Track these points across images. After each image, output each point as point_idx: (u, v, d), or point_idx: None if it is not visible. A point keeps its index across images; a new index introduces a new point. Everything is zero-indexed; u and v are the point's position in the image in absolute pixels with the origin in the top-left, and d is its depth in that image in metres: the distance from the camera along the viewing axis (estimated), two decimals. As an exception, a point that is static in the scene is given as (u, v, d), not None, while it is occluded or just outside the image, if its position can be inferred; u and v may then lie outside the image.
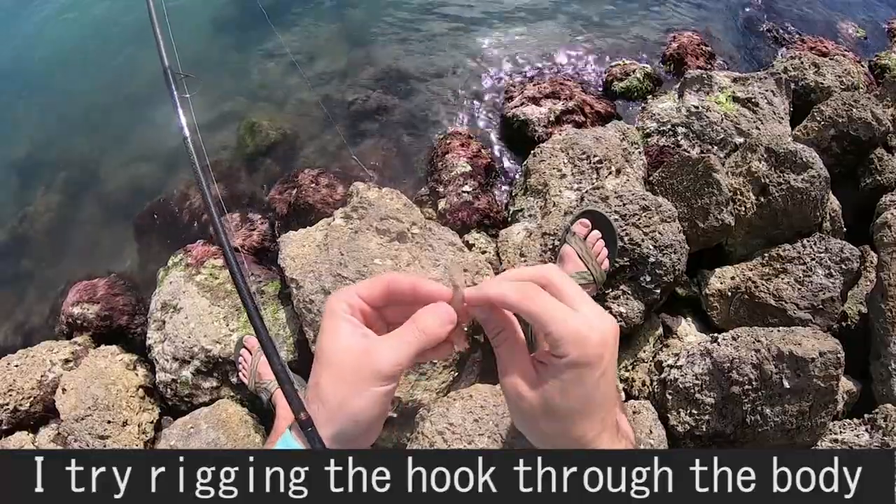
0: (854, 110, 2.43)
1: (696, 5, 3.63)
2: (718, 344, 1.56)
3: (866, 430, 1.55)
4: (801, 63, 2.97)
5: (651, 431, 1.54)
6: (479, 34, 3.33)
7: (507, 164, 2.64)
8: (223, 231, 0.71)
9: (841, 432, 1.57)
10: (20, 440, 2.26)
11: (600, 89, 2.92)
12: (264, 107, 3.13)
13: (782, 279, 1.84)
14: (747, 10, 3.70)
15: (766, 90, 2.57)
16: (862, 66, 3.30)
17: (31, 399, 2.34)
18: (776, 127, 2.45)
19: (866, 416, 1.59)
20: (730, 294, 1.91)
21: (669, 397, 1.62)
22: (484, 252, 1.94)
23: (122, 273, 2.75)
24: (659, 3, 3.59)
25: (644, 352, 1.82)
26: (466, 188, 2.31)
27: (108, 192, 3.14)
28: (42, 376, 2.38)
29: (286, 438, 0.51)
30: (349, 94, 3.02)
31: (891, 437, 1.48)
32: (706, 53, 3.04)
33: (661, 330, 1.89)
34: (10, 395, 2.34)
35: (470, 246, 1.95)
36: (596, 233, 1.68)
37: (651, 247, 1.66)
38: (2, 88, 4.07)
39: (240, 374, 2.00)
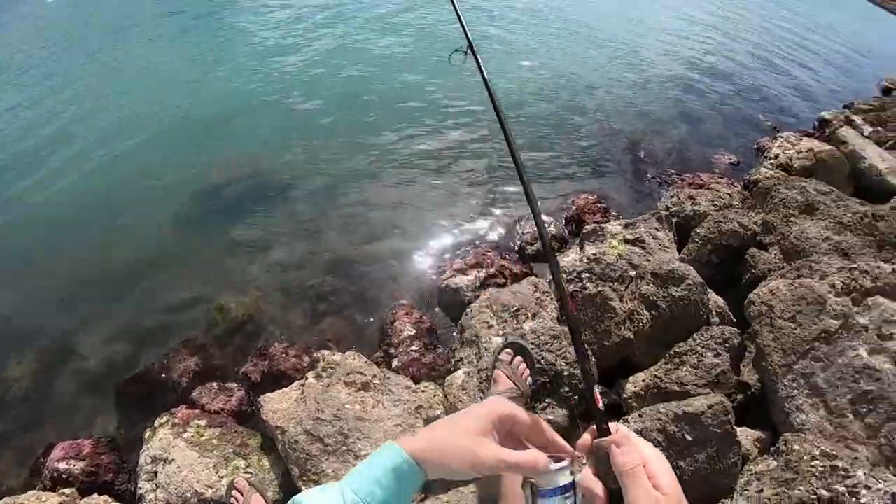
0: (722, 224, 2.96)
1: (591, 170, 4.34)
2: (629, 423, 1.97)
3: (773, 458, 1.86)
4: (679, 199, 3.61)
5: None
6: (407, 226, 3.82)
7: (445, 324, 3.04)
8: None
9: (755, 467, 1.88)
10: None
11: (516, 254, 3.43)
12: (230, 291, 3.43)
13: (682, 369, 2.23)
14: (634, 164, 4.46)
15: (651, 228, 3.01)
16: (736, 186, 3.97)
17: (13, 540, 2.27)
18: (663, 256, 2.85)
19: (771, 448, 1.91)
20: (643, 393, 2.27)
21: (595, 470, 1.96)
22: (434, 395, 2.34)
23: (105, 435, 2.85)
24: (559, 172, 4.27)
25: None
26: (413, 348, 2.72)
27: (84, 365, 3.26)
28: (28, 522, 2.33)
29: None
30: (307, 279, 3.43)
31: (790, 456, 1.79)
32: (601, 209, 3.66)
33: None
34: (-6, 537, 2.27)
35: (422, 391, 2.34)
36: (519, 358, 2.15)
37: (563, 364, 2.14)
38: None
39: None
